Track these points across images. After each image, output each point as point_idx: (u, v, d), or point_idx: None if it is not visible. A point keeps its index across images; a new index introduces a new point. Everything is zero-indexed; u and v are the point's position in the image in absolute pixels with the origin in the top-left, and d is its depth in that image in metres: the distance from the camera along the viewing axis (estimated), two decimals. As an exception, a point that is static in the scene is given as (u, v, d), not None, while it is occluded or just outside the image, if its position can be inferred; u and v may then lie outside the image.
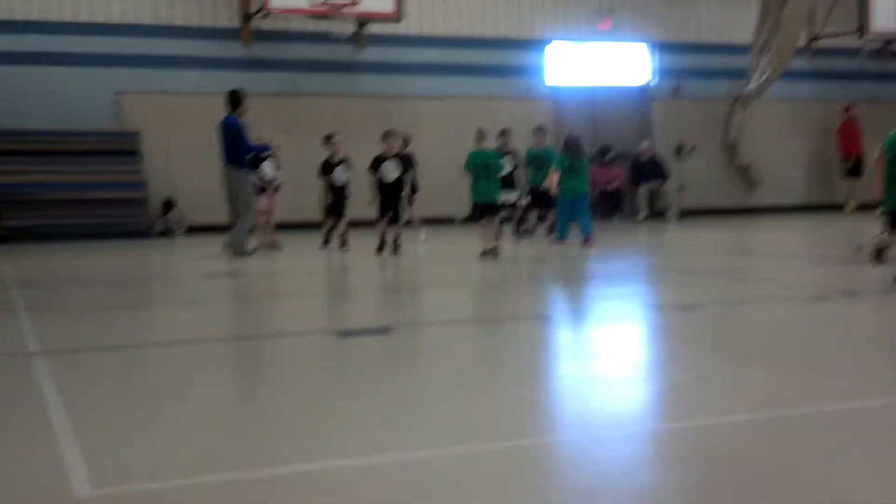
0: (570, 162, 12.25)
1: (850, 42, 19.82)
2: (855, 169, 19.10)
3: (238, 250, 11.55)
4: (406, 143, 12.94)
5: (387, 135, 11.63)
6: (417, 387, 4.63)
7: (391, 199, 11.46)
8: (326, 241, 12.48)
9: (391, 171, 11.49)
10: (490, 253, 10.93)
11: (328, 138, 12.65)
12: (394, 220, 11.49)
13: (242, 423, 4.03)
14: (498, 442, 3.57)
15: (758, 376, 4.63)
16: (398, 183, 11.54)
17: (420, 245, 12.82)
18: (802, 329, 6.11)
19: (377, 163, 11.53)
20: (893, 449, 3.47)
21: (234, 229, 11.66)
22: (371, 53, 16.96)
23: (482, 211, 11.35)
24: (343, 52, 16.67)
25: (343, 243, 12.39)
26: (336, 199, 12.50)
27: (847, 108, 19.36)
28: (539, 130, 14.00)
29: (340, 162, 12.53)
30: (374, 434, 3.70)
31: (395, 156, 11.58)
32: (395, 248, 11.50)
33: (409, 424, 3.87)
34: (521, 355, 5.40)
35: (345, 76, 16.81)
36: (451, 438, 3.63)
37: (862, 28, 19.32)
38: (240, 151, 11.67)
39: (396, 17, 16.26)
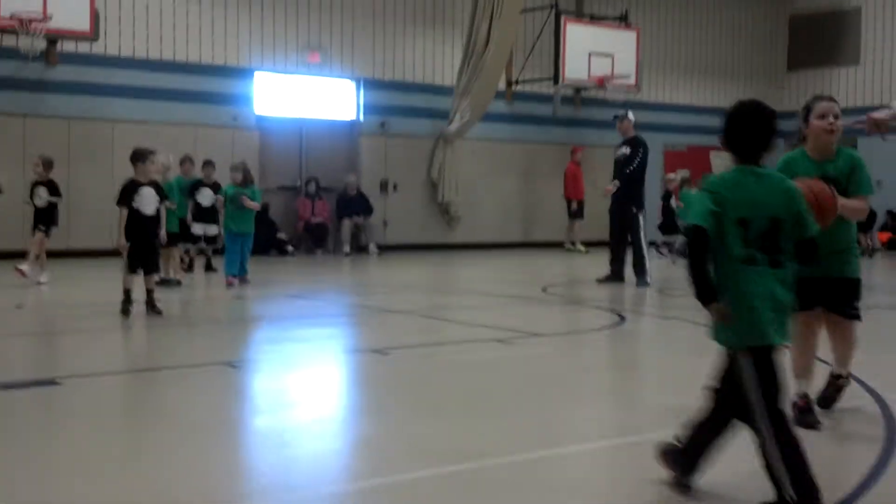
0: (233, 192, 12.01)
1: (546, 89, 21.26)
2: (578, 212, 20.18)
3: None
4: (49, 167, 11.92)
5: (142, 155, 9.22)
6: (88, 449, 4.45)
7: (148, 238, 9.12)
8: None
9: (150, 201, 9.16)
10: (168, 283, 11.39)
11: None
12: (151, 267, 9.14)
13: None
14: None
15: (446, 427, 4.87)
16: (157, 218, 9.23)
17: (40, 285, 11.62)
18: (492, 374, 6.44)
19: (130, 190, 9.12)
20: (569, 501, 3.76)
21: None
22: (64, 73, 16.12)
23: (175, 239, 11.73)
24: (32, 70, 15.69)
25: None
26: None
27: (573, 152, 20.58)
28: (207, 164, 13.60)
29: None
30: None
31: (152, 182, 9.28)
32: (152, 304, 8.99)
33: (78, 494, 3.73)
34: (203, 408, 5.31)
35: (33, 95, 15.86)
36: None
37: (556, 76, 20.77)
38: None
39: (92, 35, 15.56)
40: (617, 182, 12.63)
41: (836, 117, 4.99)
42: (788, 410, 3.72)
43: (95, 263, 13.90)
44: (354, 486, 4.00)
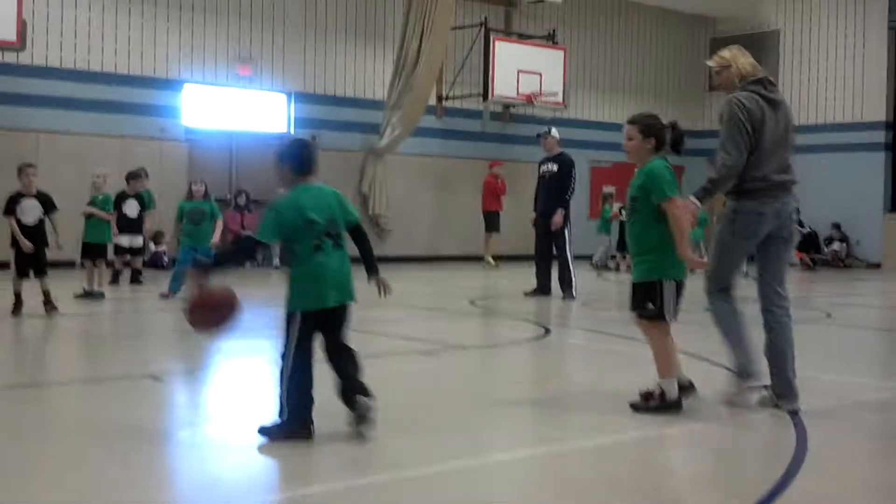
0: (190, 208, 11.82)
1: (475, 105, 21.44)
2: (493, 225, 19.96)
3: None
4: None
5: (19, 169, 10.22)
6: (9, 462, 4.40)
7: (33, 245, 9.97)
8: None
9: (31, 212, 10.06)
10: (92, 296, 11.47)
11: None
12: (39, 272, 9.95)
13: None
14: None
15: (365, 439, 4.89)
16: (39, 227, 10.09)
17: None
18: (414, 386, 6.51)
19: (12, 201, 10.10)
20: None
21: None
22: (-11, 82, 15.86)
23: (96, 252, 12.01)
24: (-44, 79, 15.43)
25: None
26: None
27: (490, 165, 20.56)
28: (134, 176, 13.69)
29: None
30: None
31: (37, 194, 10.15)
32: (49, 303, 9.84)
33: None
34: (127, 420, 5.27)
35: (-44, 104, 15.59)
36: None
37: (485, 93, 20.95)
38: None
39: (19, 45, 15.30)
40: (562, 211, 12.60)
41: (628, 139, 5.60)
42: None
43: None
44: (278, 496, 4.03)
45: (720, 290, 5.70)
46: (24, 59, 15.98)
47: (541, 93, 21.20)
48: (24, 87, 16.16)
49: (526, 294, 12.88)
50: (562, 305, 12.11)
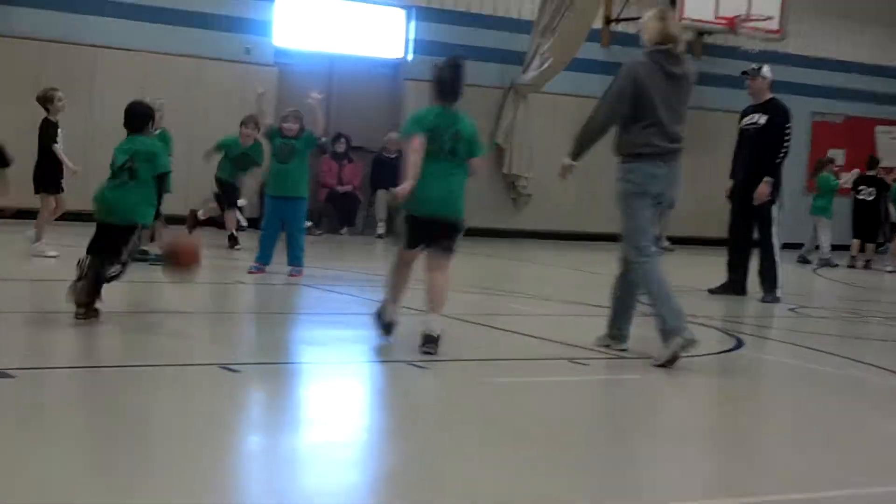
0: (279, 143, 12.02)
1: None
2: None
3: None
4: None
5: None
6: (71, 454, 4.66)
7: None
8: None
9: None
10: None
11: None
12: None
13: None
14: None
15: (487, 466, 5.05)
16: None
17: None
18: (556, 403, 6.63)
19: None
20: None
21: None
22: (38, -18, 16.67)
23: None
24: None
25: None
26: None
27: None
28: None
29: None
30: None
31: None
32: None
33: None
34: (190, 419, 5.57)
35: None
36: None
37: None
38: None
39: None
40: (770, 180, 12.26)
41: None
42: None
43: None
44: None
45: (635, 248, 7.82)
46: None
47: (749, 16, 20.70)
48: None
49: (711, 291, 12.78)
50: (760, 309, 11.99)
